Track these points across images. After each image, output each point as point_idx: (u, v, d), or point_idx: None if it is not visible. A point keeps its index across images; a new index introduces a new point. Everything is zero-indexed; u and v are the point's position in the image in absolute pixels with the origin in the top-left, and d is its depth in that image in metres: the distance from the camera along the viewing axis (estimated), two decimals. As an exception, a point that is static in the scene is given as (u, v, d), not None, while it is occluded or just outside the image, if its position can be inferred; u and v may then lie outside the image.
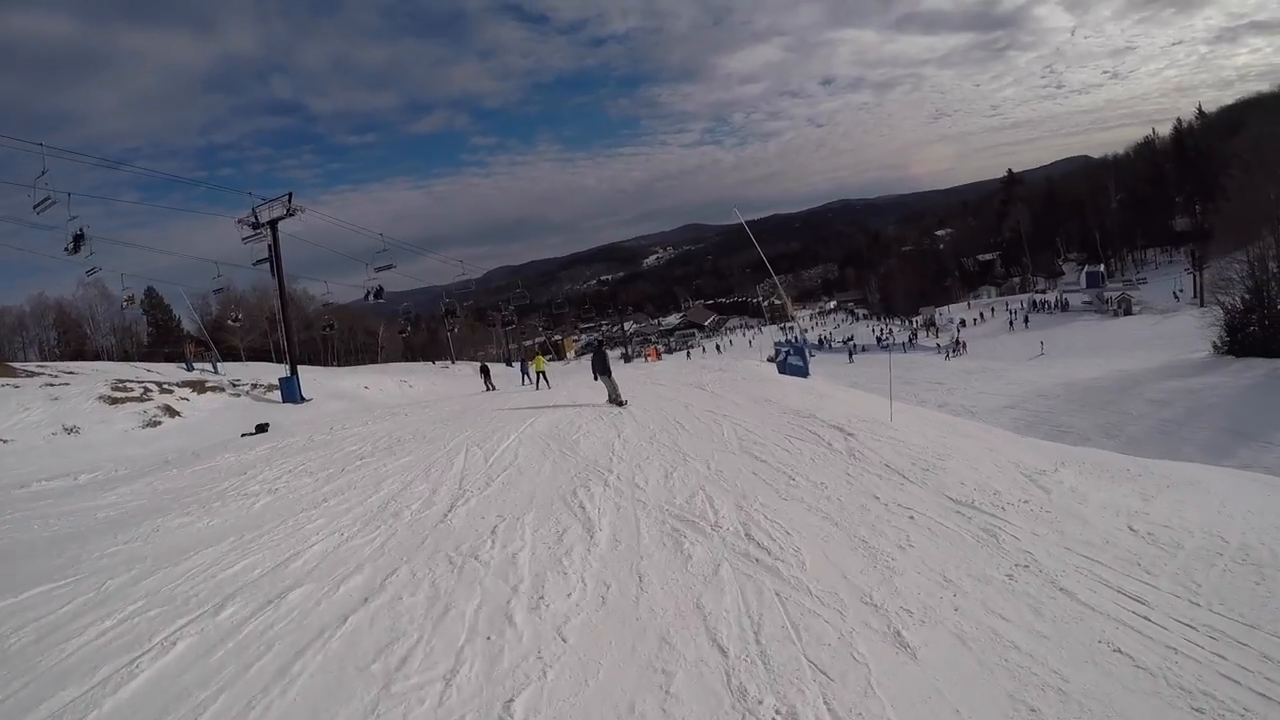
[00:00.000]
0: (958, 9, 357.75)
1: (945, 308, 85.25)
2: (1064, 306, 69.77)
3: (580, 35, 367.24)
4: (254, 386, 34.46)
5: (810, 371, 27.96)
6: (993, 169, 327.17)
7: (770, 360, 48.17)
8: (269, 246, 33.10)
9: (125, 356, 61.37)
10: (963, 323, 71.43)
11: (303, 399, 32.51)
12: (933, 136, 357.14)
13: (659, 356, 64.22)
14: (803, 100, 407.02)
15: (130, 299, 42.88)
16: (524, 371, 33.44)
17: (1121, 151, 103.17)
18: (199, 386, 32.66)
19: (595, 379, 17.78)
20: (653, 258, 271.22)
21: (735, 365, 31.32)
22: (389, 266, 38.35)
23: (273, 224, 32.94)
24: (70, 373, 32.84)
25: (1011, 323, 66.94)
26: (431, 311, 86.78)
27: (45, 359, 55.10)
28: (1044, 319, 67.40)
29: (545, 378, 27.42)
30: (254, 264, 33.01)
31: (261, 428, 22.75)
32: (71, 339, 65.87)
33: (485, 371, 31.55)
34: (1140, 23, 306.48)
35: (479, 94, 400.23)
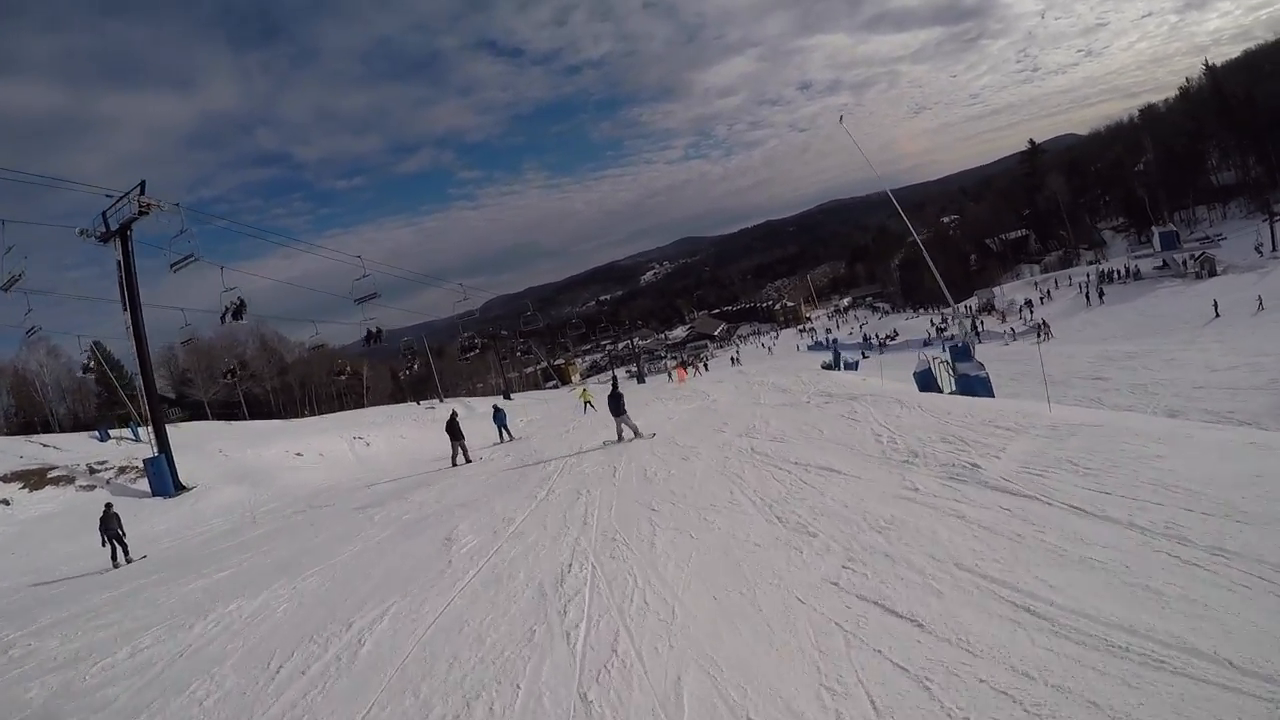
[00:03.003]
0: (925, 4, 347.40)
1: (998, 288, 73.11)
2: (1136, 274, 57.80)
3: (555, 64, 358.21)
4: (121, 471, 22.59)
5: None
6: (981, 155, 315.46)
7: (828, 366, 35.88)
8: (118, 263, 21.58)
9: (76, 423, 52.45)
10: (1029, 303, 59.39)
11: (178, 488, 20.81)
12: (915, 130, 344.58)
13: (693, 370, 51.85)
14: (782, 107, 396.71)
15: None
16: (501, 425, 21.71)
17: (1129, 114, 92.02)
18: (35, 479, 20.99)
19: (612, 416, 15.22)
20: (650, 274, 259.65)
21: (829, 381, 19.64)
22: (373, 296, 29.03)
23: (123, 230, 21.42)
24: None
25: (1088, 298, 55.01)
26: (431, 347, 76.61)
27: (11, 432, 45.60)
28: (1119, 290, 55.93)
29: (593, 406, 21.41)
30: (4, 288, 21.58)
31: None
32: (24, 406, 57.37)
33: (454, 432, 19.05)
34: None
35: (461, 129, 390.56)
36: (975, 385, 15.50)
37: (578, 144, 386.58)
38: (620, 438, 15.08)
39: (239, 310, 23.38)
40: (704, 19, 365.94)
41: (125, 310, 22.36)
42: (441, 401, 47.76)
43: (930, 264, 18.66)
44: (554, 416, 32.17)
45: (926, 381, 17.72)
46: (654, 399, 26.55)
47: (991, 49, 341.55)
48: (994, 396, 15.42)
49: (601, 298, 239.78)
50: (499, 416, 22.86)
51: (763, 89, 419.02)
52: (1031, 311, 56.07)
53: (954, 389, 17.34)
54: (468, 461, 18.55)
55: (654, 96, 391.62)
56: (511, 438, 22.57)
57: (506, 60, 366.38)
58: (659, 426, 16.13)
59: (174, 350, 61.89)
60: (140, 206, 21.21)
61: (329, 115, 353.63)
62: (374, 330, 28.50)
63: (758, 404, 17.68)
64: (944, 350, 17.95)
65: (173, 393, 64.57)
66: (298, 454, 27.69)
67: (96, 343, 59.22)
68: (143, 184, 21.51)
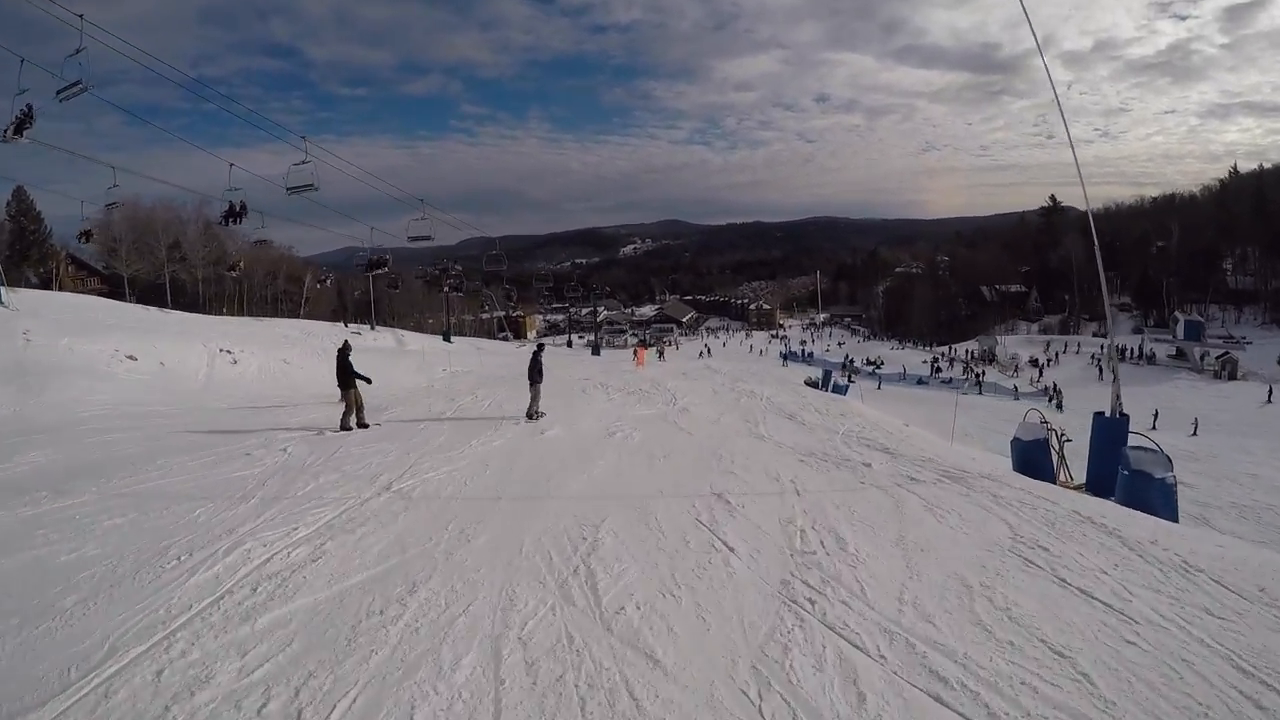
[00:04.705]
0: (958, 47, 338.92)
1: (1000, 339, 67.39)
2: (1150, 359, 52.36)
3: (583, 20, 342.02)
4: None
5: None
6: (979, 206, 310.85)
7: (812, 384, 28.97)
8: None
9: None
10: (1034, 361, 53.47)
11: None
12: (919, 168, 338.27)
13: (659, 355, 44.15)
14: (795, 114, 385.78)
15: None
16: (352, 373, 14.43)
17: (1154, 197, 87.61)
18: None
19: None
20: (630, 247, 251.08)
21: (857, 417, 12.70)
22: (309, 188, 20.90)
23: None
24: None
25: (1100, 371, 49.29)
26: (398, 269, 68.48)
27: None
28: (1132, 371, 50.10)
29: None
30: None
31: None
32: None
33: (343, 376, 12.35)
34: (1136, 87, 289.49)
35: (475, 63, 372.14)
36: (1153, 498, 8.57)
37: (587, 104, 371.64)
38: (532, 412, 12.83)
39: (21, 125, 15.44)
40: (739, 10, 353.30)
41: None
42: (373, 329, 40.81)
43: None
44: (477, 376, 24.87)
45: (1031, 459, 10.82)
46: (599, 384, 19.34)
47: (1012, 106, 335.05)
48: (1178, 520, 8.60)
49: (578, 260, 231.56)
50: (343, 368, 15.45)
51: (780, 92, 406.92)
52: (1041, 372, 50.08)
53: (1085, 486, 10.46)
54: (361, 426, 11.90)
55: (671, 74, 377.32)
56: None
57: (535, 4, 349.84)
58: (589, 440, 9.10)
59: (111, 214, 53.66)
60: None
61: (347, 20, 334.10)
62: (236, 204, 20.66)
63: (759, 436, 10.66)
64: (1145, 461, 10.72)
65: (102, 263, 56.17)
66: (130, 356, 20.11)
67: (20, 188, 51.51)
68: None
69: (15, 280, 35.21)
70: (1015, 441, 11.23)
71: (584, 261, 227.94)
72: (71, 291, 41.61)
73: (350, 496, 6.89)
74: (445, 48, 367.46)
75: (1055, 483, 10.51)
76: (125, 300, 40.08)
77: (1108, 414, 10.67)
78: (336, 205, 28.66)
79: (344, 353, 12.65)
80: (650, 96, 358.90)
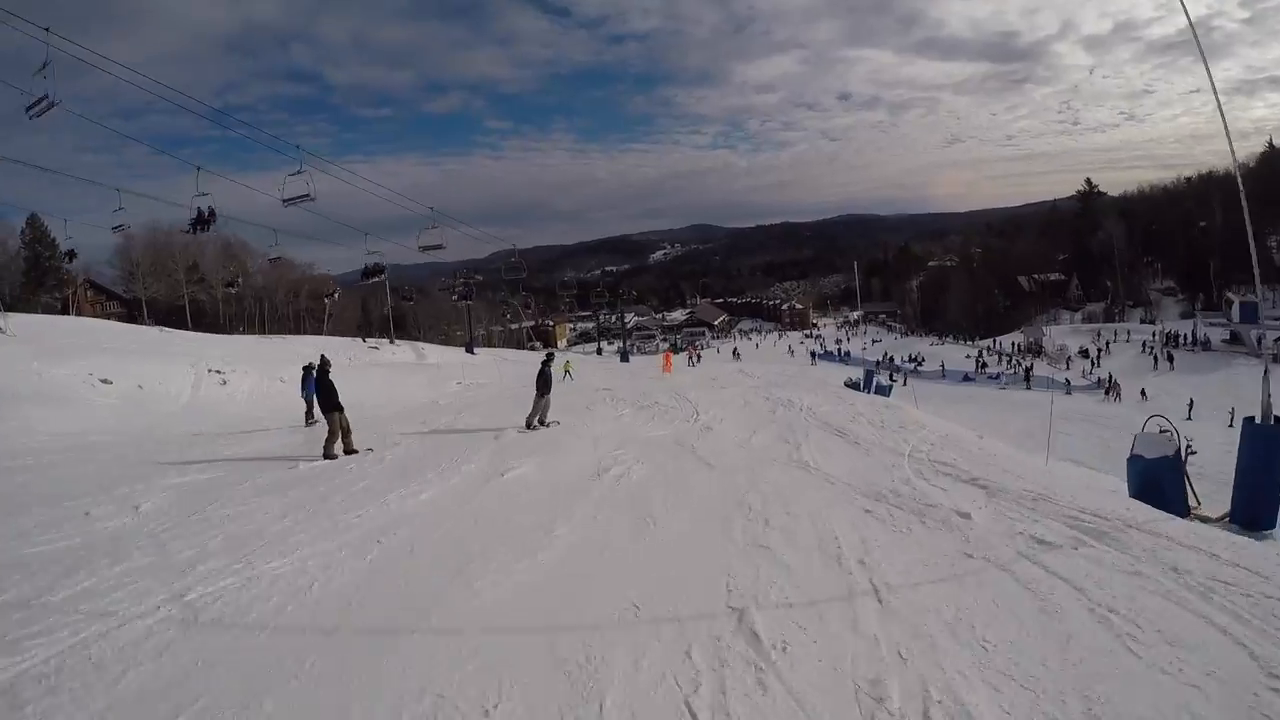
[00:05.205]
0: (977, 38, 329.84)
1: (1048, 330, 63.89)
2: (1205, 344, 48.64)
3: (601, 31, 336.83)
4: None
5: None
6: (1009, 196, 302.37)
7: (852, 385, 26.48)
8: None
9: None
10: (1085, 352, 50.14)
11: None
12: (946, 161, 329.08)
13: (692, 360, 42.16)
14: (818, 113, 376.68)
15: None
16: (311, 399, 12.60)
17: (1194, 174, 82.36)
18: None
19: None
20: (659, 253, 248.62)
21: (919, 429, 10.26)
22: (304, 198, 19.40)
23: None
24: None
25: (1155, 359, 45.86)
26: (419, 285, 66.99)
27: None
28: (1188, 358, 46.75)
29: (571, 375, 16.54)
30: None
31: None
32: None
33: (328, 395, 10.73)
34: (1159, 68, 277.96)
35: (497, 79, 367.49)
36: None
37: (610, 114, 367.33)
38: (535, 422, 12.29)
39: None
40: (755, 12, 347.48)
41: None
42: (392, 343, 39.94)
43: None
44: (492, 389, 22.92)
45: (1155, 482, 8.32)
46: (615, 396, 17.10)
47: (1035, 94, 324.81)
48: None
49: (607, 268, 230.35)
50: (309, 383, 13.76)
51: (801, 92, 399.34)
52: (1094, 363, 46.78)
53: (1229, 516, 7.92)
54: (348, 453, 10.41)
55: (692, 80, 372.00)
56: (312, 421, 14.01)
57: (552, 18, 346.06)
58: (567, 483, 7.15)
59: (130, 240, 52.77)
60: None
61: (366, 43, 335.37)
62: (204, 210, 18.82)
63: (802, 464, 8.32)
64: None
65: (121, 287, 55.77)
66: (104, 380, 18.49)
67: (34, 215, 51.04)
68: None
69: (31, 306, 34.40)
70: (1134, 459, 8.71)
71: (614, 269, 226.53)
72: (90, 316, 40.81)
73: (110, 612, 4.21)
74: (465, 65, 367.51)
75: (1189, 514, 8.04)
76: (144, 323, 39.15)
77: (1258, 419, 8.15)
78: (357, 223, 27.44)
79: (324, 371, 10.81)
80: (672, 103, 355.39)
